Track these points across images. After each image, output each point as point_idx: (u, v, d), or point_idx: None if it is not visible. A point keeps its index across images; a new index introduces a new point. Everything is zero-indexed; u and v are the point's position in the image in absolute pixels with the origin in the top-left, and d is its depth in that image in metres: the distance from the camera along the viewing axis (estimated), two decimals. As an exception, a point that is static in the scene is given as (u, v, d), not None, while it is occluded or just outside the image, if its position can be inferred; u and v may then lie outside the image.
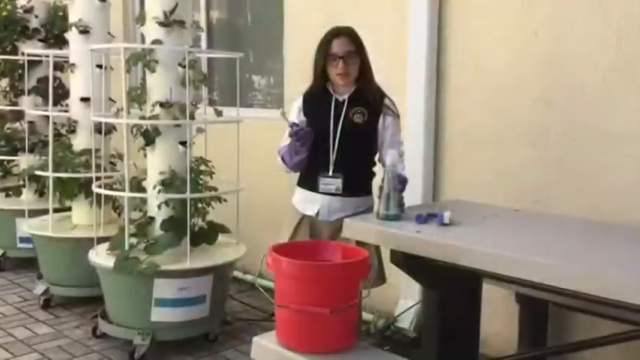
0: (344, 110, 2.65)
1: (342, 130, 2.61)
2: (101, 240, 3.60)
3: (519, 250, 2.08)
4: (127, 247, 3.25)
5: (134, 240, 3.31)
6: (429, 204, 3.22)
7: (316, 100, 2.71)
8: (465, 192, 3.33)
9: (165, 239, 3.27)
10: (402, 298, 3.60)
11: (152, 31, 3.31)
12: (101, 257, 3.38)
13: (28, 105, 4.66)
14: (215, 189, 3.45)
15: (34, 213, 4.37)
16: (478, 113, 3.35)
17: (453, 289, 2.47)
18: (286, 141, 2.67)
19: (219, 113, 3.48)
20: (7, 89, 4.93)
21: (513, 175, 3.22)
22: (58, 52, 4.31)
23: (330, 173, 2.61)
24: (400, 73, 3.55)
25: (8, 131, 4.98)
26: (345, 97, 2.69)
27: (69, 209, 4.24)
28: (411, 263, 2.30)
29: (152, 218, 3.42)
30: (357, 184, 2.68)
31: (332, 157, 2.61)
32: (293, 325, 2.11)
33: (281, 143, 2.74)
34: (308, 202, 2.69)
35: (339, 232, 2.54)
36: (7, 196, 4.90)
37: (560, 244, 2.22)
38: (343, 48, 2.62)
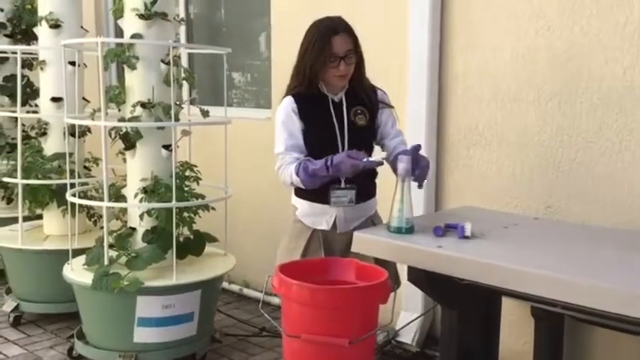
0: (345, 112, 2.40)
1: (350, 135, 2.36)
2: (76, 252, 3.31)
3: (551, 267, 1.86)
4: (106, 262, 2.96)
5: (113, 254, 3.02)
6: (442, 213, 2.96)
7: (310, 101, 2.39)
8: (470, 197, 3.12)
9: (149, 253, 2.99)
10: (404, 310, 3.37)
11: (131, 24, 3.02)
12: (77, 273, 3.09)
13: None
14: (202, 196, 3.17)
15: (2, 222, 4.05)
16: (484, 112, 3.14)
17: (472, 306, 2.25)
18: (313, 163, 2.29)
19: (205, 114, 3.20)
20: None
21: (523, 179, 3.01)
22: (26, 47, 3.98)
23: (343, 185, 2.33)
24: (399, 70, 3.33)
25: (-27, 133, 4.61)
26: (341, 96, 2.42)
27: (40, 217, 3.93)
28: (432, 281, 2.07)
29: (133, 229, 3.13)
30: (368, 189, 2.46)
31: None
32: (306, 358, 1.85)
33: (286, 158, 2.38)
34: (318, 216, 2.41)
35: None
36: (-28, 203, 4.54)
37: (588, 258, 2.01)
38: (344, 47, 2.32)
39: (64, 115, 3.37)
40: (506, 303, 2.61)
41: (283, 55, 4.00)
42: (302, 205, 2.45)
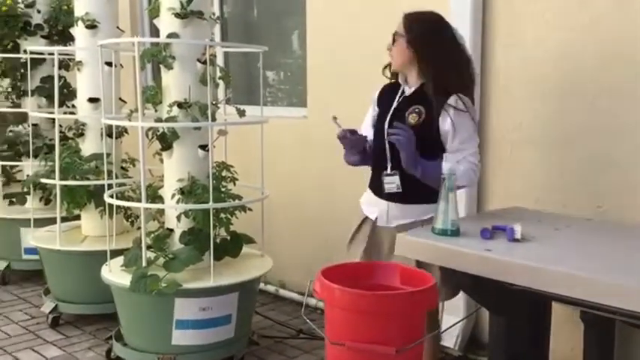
0: (405, 106, 2.40)
1: (390, 118, 2.41)
2: (114, 253, 3.29)
3: (610, 271, 1.76)
4: (144, 264, 2.94)
5: (151, 255, 3.00)
6: (487, 214, 2.84)
7: (390, 90, 2.52)
8: (514, 198, 3.01)
9: (186, 254, 2.95)
10: (445, 313, 3.26)
11: (167, 23, 2.99)
12: (115, 274, 3.07)
13: (31, 106, 4.35)
14: (239, 197, 3.12)
15: (40, 222, 4.06)
16: (528, 110, 3.02)
17: (521, 312, 2.16)
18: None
19: (241, 113, 3.16)
20: (9, 90, 4.60)
21: (571, 179, 2.89)
22: (62, 48, 3.98)
23: (389, 171, 2.38)
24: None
25: (11, 134, 4.66)
26: (412, 90, 2.43)
27: (78, 218, 3.94)
28: (480, 286, 1.98)
29: (171, 230, 3.11)
30: (416, 188, 2.35)
31: (388, 155, 2.39)
32: (351, 366, 1.78)
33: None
34: (371, 205, 2.50)
35: None
36: (11, 203, 4.58)
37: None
38: (396, 29, 2.42)
39: (101, 115, 3.36)
40: (553, 306, 2.51)
41: (318, 52, 3.96)
42: (366, 192, 2.57)
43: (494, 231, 2.13)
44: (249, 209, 3.20)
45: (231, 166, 3.22)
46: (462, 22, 3.09)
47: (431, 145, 2.32)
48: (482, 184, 3.19)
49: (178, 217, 3.03)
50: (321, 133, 3.82)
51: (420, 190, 2.34)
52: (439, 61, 2.32)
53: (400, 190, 2.36)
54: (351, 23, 3.74)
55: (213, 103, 3.05)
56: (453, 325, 3.21)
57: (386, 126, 2.39)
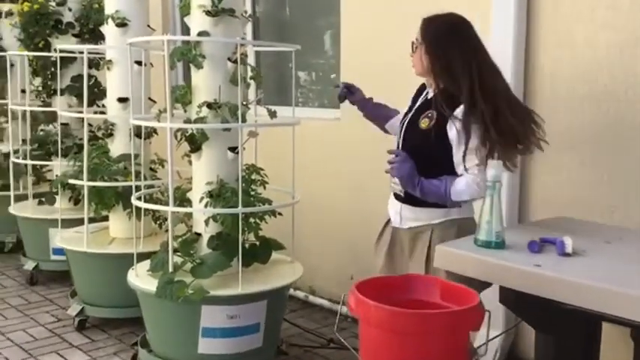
0: (424, 109, 2.34)
1: (405, 131, 2.38)
2: (141, 256, 3.21)
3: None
4: (170, 269, 2.85)
5: (178, 260, 2.91)
6: (532, 224, 2.66)
7: (419, 91, 2.49)
8: (559, 207, 2.85)
9: (214, 260, 2.85)
10: (482, 327, 3.12)
11: (198, 21, 2.89)
12: (141, 279, 2.99)
13: (61, 105, 4.30)
14: (269, 201, 3.01)
15: (69, 223, 4.01)
16: (576, 113, 2.86)
17: (571, 332, 2.00)
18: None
19: (272, 114, 3.05)
20: (40, 88, 4.57)
21: (621, 186, 2.72)
22: (92, 47, 3.93)
23: None
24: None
25: (41, 133, 4.64)
26: (432, 93, 2.35)
27: (107, 218, 3.88)
28: (528, 304, 1.83)
29: (199, 234, 3.01)
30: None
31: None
32: (388, 390, 1.65)
33: None
34: (391, 206, 2.47)
35: (416, 242, 2.33)
36: (40, 203, 4.57)
37: None
38: (416, 35, 2.35)
39: (129, 115, 3.28)
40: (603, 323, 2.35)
41: (352, 52, 3.83)
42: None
43: (542, 244, 1.98)
44: (279, 214, 3.09)
45: (261, 169, 3.11)
46: (505, 23, 2.97)
47: (440, 151, 2.24)
48: (523, 191, 3.04)
49: (206, 221, 2.93)
50: (354, 135, 3.70)
51: None
52: (450, 69, 2.22)
53: (402, 192, 2.34)
54: (386, 22, 3.61)
55: (244, 103, 2.95)
56: (491, 339, 3.06)
57: (403, 127, 2.40)
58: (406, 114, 2.44)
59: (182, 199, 3.11)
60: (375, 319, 1.64)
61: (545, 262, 1.84)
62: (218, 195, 2.93)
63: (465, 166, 2.19)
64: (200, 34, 2.87)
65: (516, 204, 3.03)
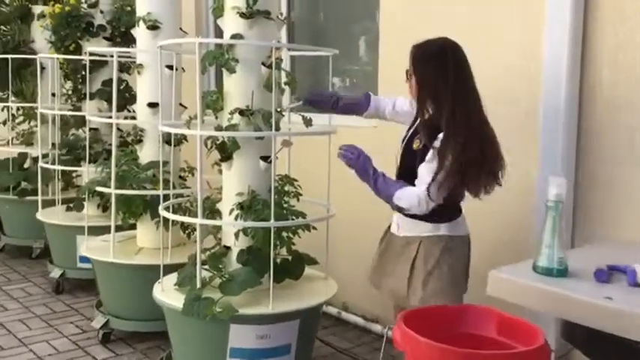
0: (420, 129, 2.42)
1: (403, 151, 2.49)
2: (169, 268, 3.07)
3: None
4: (198, 285, 2.69)
5: (207, 274, 2.75)
6: (595, 249, 2.43)
7: None
8: (618, 228, 2.62)
9: (244, 277, 2.69)
10: None
11: (232, 23, 2.74)
12: (168, 294, 2.84)
13: (90, 110, 4.21)
14: (303, 215, 2.84)
15: (96, 230, 3.89)
16: (636, 127, 2.62)
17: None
18: None
19: (308, 122, 2.88)
20: (70, 92, 4.49)
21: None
22: (122, 49, 3.81)
23: None
24: (531, 75, 2.87)
25: (71, 138, 4.55)
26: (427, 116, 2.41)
27: (134, 226, 3.75)
28: (596, 341, 1.62)
29: (228, 248, 2.85)
30: None
31: (395, 171, 2.51)
32: None
33: None
34: (394, 214, 2.56)
35: (405, 249, 2.44)
36: (68, 209, 4.46)
37: None
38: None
39: (159, 121, 3.14)
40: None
41: (391, 58, 3.64)
42: None
43: (610, 272, 1.76)
44: (314, 228, 2.92)
45: (295, 180, 2.94)
46: (559, 32, 2.74)
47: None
48: (579, 210, 2.80)
49: (236, 235, 2.78)
50: (392, 145, 3.49)
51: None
52: (434, 95, 2.30)
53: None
54: (427, 28, 3.40)
55: (278, 110, 2.78)
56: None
57: (402, 147, 2.49)
58: (406, 133, 2.52)
59: (211, 210, 2.96)
60: (424, 357, 1.44)
61: (616, 293, 1.63)
62: (249, 207, 2.77)
63: (420, 180, 2.32)
64: (233, 36, 2.72)
65: (570, 224, 2.79)
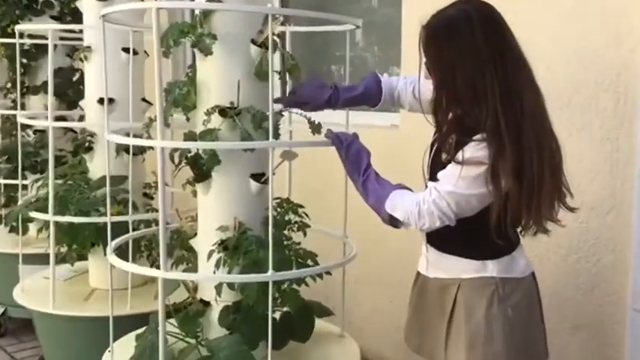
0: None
1: (431, 159, 1.83)
2: (128, 321, 2.26)
3: None
4: (162, 364, 1.85)
5: (175, 347, 1.92)
6: None
7: None
8: None
9: (229, 350, 1.86)
10: None
11: (207, -17, 1.90)
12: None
13: (36, 107, 3.42)
14: (313, 256, 2.01)
15: (44, 259, 3.03)
16: None
17: None
18: None
19: (316, 128, 2.03)
20: (9, 86, 3.64)
21: None
22: (59, 26, 2.95)
23: None
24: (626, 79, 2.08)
25: (12, 142, 3.72)
26: None
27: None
28: None
29: (207, 304, 2.02)
30: (449, 233, 1.71)
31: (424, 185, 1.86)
32: None
33: None
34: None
35: (443, 297, 1.79)
36: (12, 230, 3.59)
37: None
38: None
39: (110, 123, 2.27)
40: None
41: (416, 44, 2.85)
42: None
43: None
44: (328, 273, 2.08)
45: (301, 206, 2.11)
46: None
47: None
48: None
49: (218, 288, 1.94)
50: (416, 148, 2.69)
51: (453, 236, 1.72)
52: (459, 92, 1.63)
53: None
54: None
55: (278, 111, 1.94)
56: None
57: (430, 156, 1.82)
58: (434, 137, 1.87)
59: (183, 247, 2.13)
60: None
61: None
62: (235, 247, 1.94)
63: (431, 182, 1.72)
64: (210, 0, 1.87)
65: None
